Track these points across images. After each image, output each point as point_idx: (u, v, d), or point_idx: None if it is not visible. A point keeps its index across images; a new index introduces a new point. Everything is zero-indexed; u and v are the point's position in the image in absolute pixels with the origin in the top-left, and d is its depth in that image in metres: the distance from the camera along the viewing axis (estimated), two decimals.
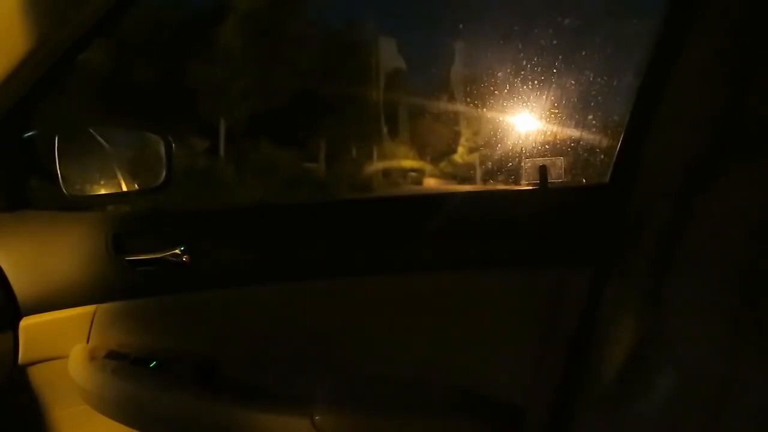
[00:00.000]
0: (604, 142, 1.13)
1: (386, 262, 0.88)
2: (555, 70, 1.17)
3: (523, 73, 1.22)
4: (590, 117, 1.18)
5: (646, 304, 0.63)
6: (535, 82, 1.19)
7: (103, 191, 0.93)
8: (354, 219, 0.90)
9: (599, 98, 1.18)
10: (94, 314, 0.92)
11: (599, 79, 1.19)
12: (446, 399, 0.83)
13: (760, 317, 0.46)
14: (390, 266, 0.88)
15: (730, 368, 0.46)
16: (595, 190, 0.91)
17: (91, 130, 0.91)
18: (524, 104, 1.24)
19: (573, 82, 1.19)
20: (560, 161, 1.34)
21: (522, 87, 1.22)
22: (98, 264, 0.89)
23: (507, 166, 1.42)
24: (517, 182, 1.46)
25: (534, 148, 1.36)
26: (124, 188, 0.93)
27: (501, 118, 1.41)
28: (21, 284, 0.88)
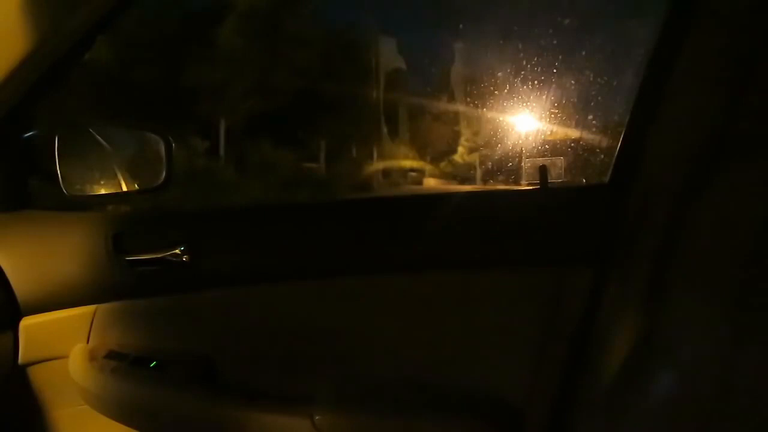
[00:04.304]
0: (604, 142, 1.13)
1: (386, 262, 0.88)
2: (555, 70, 1.18)
3: (523, 73, 1.22)
4: (590, 117, 1.18)
5: (646, 304, 0.63)
6: (535, 82, 1.20)
7: (103, 191, 0.93)
8: (354, 219, 0.90)
9: (599, 98, 1.19)
10: (94, 314, 0.92)
11: (599, 79, 1.20)
12: (446, 399, 0.83)
13: (760, 317, 0.46)
14: (390, 266, 0.88)
15: (730, 368, 0.46)
16: (595, 190, 0.91)
17: (91, 130, 0.91)
18: (524, 104, 1.25)
19: (573, 82, 1.20)
20: (560, 161, 1.34)
21: (522, 87, 1.22)
22: (98, 264, 0.89)
23: (507, 166, 1.42)
24: (517, 182, 1.46)
25: (534, 148, 1.37)
26: (124, 188, 0.93)
27: (501, 118, 1.42)
28: (21, 284, 0.88)
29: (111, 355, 0.89)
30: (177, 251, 0.87)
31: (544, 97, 1.19)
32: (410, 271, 0.87)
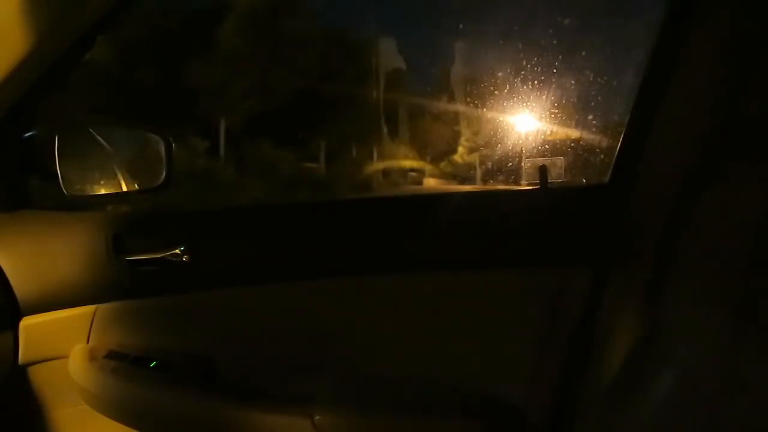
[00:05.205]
0: (604, 142, 1.13)
1: (386, 262, 0.88)
2: (555, 70, 1.18)
3: (523, 73, 1.22)
4: (590, 117, 1.18)
5: (646, 303, 0.64)
6: (535, 82, 1.20)
7: (103, 191, 0.92)
8: (354, 219, 0.90)
9: (599, 98, 1.19)
10: (94, 314, 0.92)
11: (599, 79, 1.20)
12: (446, 399, 0.83)
13: (760, 316, 0.46)
14: (390, 266, 0.88)
15: (730, 367, 0.46)
16: (595, 190, 0.91)
17: (91, 130, 0.91)
18: (524, 104, 1.25)
19: (573, 82, 1.20)
20: (560, 161, 1.34)
21: (522, 87, 1.22)
22: (98, 264, 0.89)
23: (507, 166, 1.42)
24: (517, 182, 1.46)
25: (534, 148, 1.37)
26: (124, 188, 0.93)
27: (501, 118, 1.42)
28: (21, 284, 0.88)
29: (111, 355, 0.89)
30: (177, 251, 0.87)
31: (544, 97, 1.19)
32: (410, 271, 0.87)
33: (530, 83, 1.20)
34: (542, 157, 1.38)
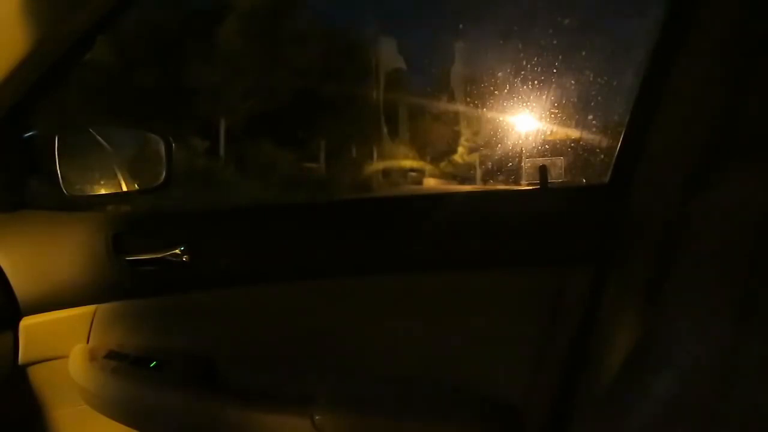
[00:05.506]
0: (604, 142, 1.13)
1: (386, 262, 0.88)
2: (555, 70, 1.18)
3: (523, 73, 1.22)
4: (590, 117, 1.18)
5: (646, 303, 0.64)
6: (535, 82, 1.20)
7: (103, 191, 0.93)
8: (354, 219, 0.90)
9: (599, 98, 1.19)
10: (94, 314, 0.92)
11: (599, 79, 1.20)
12: (446, 399, 0.83)
13: (760, 317, 0.46)
14: (390, 266, 0.88)
15: (731, 369, 0.46)
16: (595, 190, 0.91)
17: (91, 130, 0.91)
18: (524, 104, 1.25)
19: (573, 82, 1.20)
20: (560, 161, 1.34)
21: (522, 87, 1.22)
22: (98, 264, 0.89)
23: (507, 166, 1.42)
24: (517, 182, 1.46)
25: (534, 148, 1.36)
26: (124, 188, 0.93)
27: (501, 118, 1.41)
28: (21, 284, 0.88)
29: (111, 355, 0.89)
30: (177, 251, 0.87)
31: (544, 97, 1.19)
32: (410, 271, 0.87)
33: (530, 83, 1.20)
34: (542, 157, 1.38)
